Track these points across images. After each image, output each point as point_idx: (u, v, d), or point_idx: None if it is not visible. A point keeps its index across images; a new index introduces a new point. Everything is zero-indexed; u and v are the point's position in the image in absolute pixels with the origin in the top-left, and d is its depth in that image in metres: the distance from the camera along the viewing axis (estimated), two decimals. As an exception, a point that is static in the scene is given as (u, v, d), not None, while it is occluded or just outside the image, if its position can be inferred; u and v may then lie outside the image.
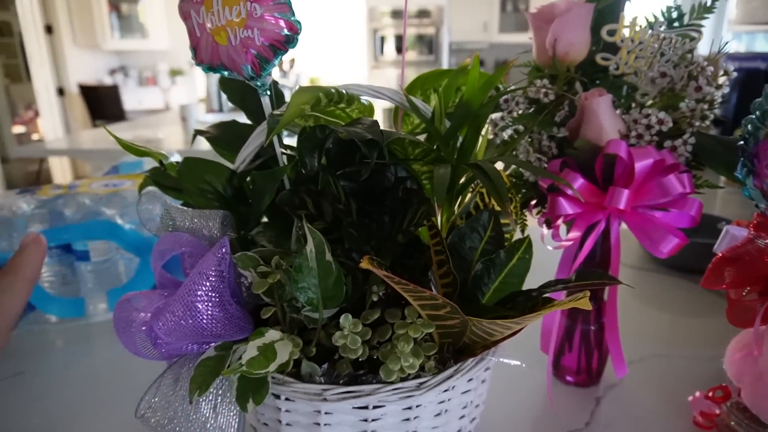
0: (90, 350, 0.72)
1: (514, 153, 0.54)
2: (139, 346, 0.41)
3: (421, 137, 0.50)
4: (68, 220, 0.74)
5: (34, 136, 4.49)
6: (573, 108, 0.53)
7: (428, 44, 5.05)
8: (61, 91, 4.69)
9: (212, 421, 0.39)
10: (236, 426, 0.40)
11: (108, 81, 5.09)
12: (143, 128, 2.91)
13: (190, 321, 0.37)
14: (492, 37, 4.90)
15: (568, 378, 0.62)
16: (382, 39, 5.22)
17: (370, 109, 0.48)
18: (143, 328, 0.41)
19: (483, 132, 0.47)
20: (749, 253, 0.49)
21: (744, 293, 0.50)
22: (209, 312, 0.37)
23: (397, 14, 5.09)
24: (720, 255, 0.50)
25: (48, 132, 4.49)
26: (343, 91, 0.42)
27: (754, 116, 0.46)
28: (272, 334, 0.37)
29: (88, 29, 4.76)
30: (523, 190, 0.55)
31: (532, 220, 0.57)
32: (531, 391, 0.62)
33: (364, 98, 0.47)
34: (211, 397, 0.39)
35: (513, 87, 0.52)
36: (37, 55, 4.42)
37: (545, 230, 0.54)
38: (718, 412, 0.55)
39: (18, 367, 0.68)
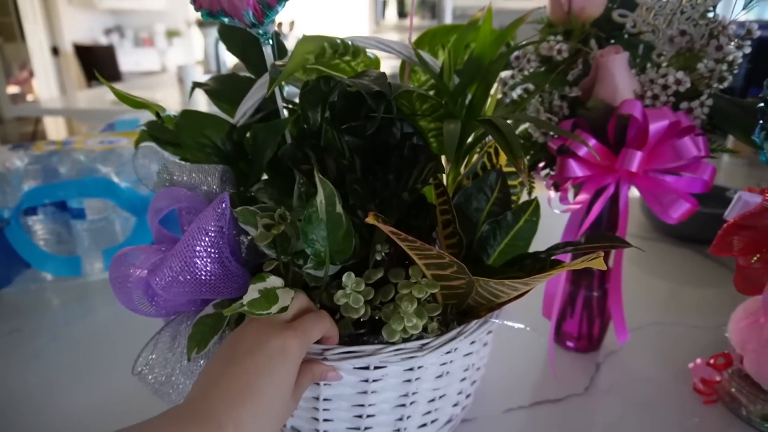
0: (86, 309, 0.71)
1: (524, 112, 0.53)
2: (136, 303, 0.40)
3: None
4: (63, 177, 0.72)
5: (29, 97, 4.41)
6: (587, 66, 0.51)
7: (431, 9, 4.93)
8: (55, 51, 4.59)
9: None
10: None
11: (103, 41, 4.98)
12: (140, 89, 2.86)
13: (188, 276, 0.36)
14: (497, 3, 4.80)
15: (569, 344, 0.62)
16: (384, 3, 5.09)
17: (376, 63, 0.46)
18: (140, 284, 0.39)
19: (492, 90, 0.45)
20: (762, 220, 0.48)
21: (753, 260, 0.49)
22: (208, 268, 0.36)
23: (400, -23, 4.96)
24: (731, 221, 0.49)
25: (43, 92, 4.41)
26: (349, 43, 0.40)
27: (775, 77, 0.44)
28: (274, 280, 0.36)
29: (82, -14, 4.63)
30: (531, 152, 0.54)
31: (540, 183, 0.56)
32: (532, 356, 0.61)
33: (370, 51, 0.45)
34: (209, 355, 0.39)
35: (525, 42, 0.50)
36: (30, 12, 4.31)
37: (553, 193, 0.53)
38: (718, 379, 0.55)
39: (14, 324, 0.67)
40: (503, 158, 0.48)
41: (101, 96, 2.58)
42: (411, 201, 0.38)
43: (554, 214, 0.53)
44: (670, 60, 0.51)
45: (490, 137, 0.46)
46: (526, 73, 0.52)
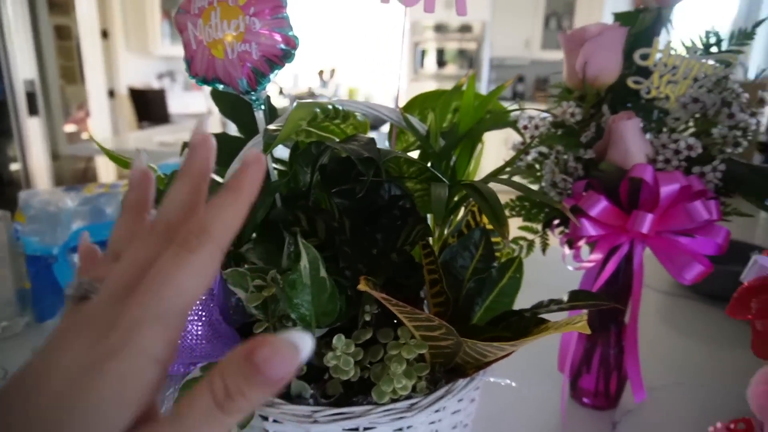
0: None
1: (538, 173, 0.55)
2: None
3: (415, 154, 0.50)
4: (108, 217, 0.78)
5: (84, 135, 4.67)
6: (600, 130, 0.53)
7: (469, 59, 5.05)
8: (111, 93, 4.89)
9: None
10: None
11: (156, 85, 5.28)
12: (185, 131, 3.01)
13: (180, 341, 0.37)
14: (533, 54, 4.87)
15: (585, 400, 0.62)
16: (423, 52, 5.24)
17: (364, 125, 0.48)
18: None
19: (476, 153, 0.48)
20: (778, 284, 0.48)
21: (771, 325, 0.49)
22: (198, 332, 0.37)
23: (439, 28, 5.11)
24: (746, 285, 0.49)
25: (97, 131, 4.67)
26: (340, 108, 0.42)
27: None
28: None
29: (141, 35, 4.96)
30: (546, 210, 0.55)
31: (554, 239, 0.57)
32: (547, 412, 0.61)
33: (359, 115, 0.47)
34: None
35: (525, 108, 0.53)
36: (91, 58, 4.63)
37: (567, 250, 0.54)
38: (740, 446, 0.53)
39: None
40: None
41: (150, 137, 2.73)
42: (400, 262, 0.40)
43: (570, 269, 0.55)
44: (687, 124, 0.53)
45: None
46: (536, 137, 0.54)
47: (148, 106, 4.87)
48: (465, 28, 4.99)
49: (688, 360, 0.73)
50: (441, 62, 5.24)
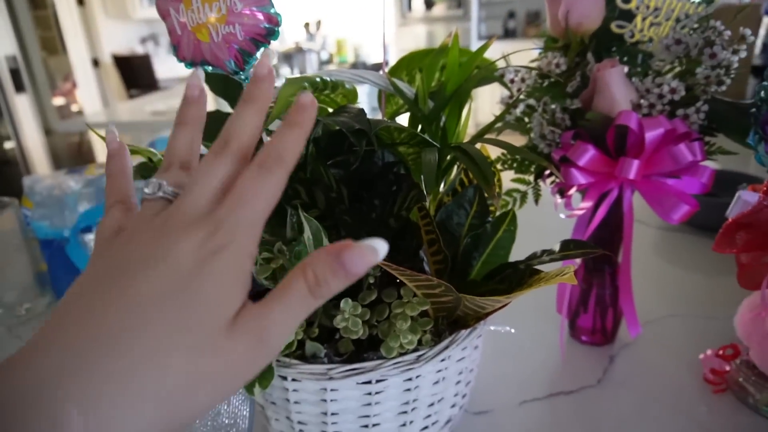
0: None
1: (528, 126, 0.56)
2: None
3: (406, 116, 0.51)
4: (113, 196, 0.79)
5: (74, 107, 4.62)
6: (585, 79, 0.54)
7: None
8: (95, 62, 4.79)
9: (225, 406, 0.42)
10: (248, 410, 0.42)
11: (140, 50, 5.17)
12: (176, 97, 2.98)
13: None
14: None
15: (584, 338, 0.65)
16: (410, -6, 5.08)
17: (353, 93, 0.49)
18: None
19: (465, 111, 0.49)
20: (760, 218, 0.50)
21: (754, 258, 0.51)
22: None
23: (424, -32, 4.94)
24: (730, 220, 0.51)
25: (86, 103, 4.61)
26: (328, 79, 0.44)
27: (765, 83, 0.47)
28: None
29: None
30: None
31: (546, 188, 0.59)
32: (547, 350, 0.65)
33: (348, 84, 0.48)
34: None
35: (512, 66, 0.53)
36: (70, 26, 4.51)
37: (558, 199, 0.56)
38: (728, 369, 0.57)
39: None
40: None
41: (141, 107, 2.70)
42: (398, 226, 0.42)
43: (559, 216, 0.57)
44: (672, 65, 0.54)
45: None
46: (524, 90, 0.55)
47: (135, 73, 4.78)
48: (451, -34, 4.82)
49: (681, 292, 0.76)
50: (429, 3, 5.09)
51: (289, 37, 5.22)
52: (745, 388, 0.55)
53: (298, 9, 5.34)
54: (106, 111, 3.32)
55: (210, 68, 0.42)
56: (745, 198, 0.51)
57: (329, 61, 5.13)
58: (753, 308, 0.54)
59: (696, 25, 0.51)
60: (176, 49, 0.42)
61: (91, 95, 4.70)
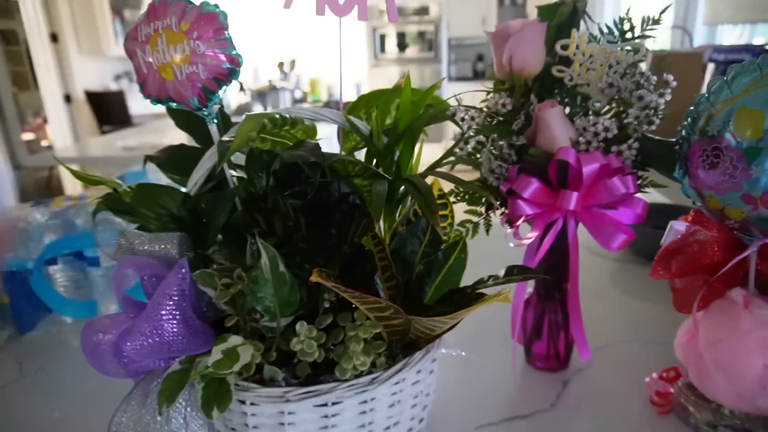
0: (102, 348, 0.78)
1: (478, 160, 0.60)
2: (109, 367, 0.44)
3: (364, 150, 0.54)
4: (79, 229, 0.80)
5: (44, 143, 4.57)
6: (529, 118, 0.58)
7: (429, 41, 5.09)
8: (68, 98, 4.78)
9: (184, 431, 0.43)
10: (206, 433, 0.43)
11: (113, 87, 5.18)
12: (149, 133, 2.98)
13: (157, 339, 0.41)
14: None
15: (538, 364, 0.68)
16: (382, 37, 5.25)
17: (312, 129, 0.52)
18: (111, 349, 0.43)
19: (416, 147, 0.52)
20: (690, 245, 0.54)
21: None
22: (174, 329, 0.41)
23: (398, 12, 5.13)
24: (663, 248, 0.55)
25: (56, 138, 4.57)
26: (287, 115, 0.47)
27: (686, 122, 0.52)
28: (234, 339, 0.41)
29: (92, 36, 4.84)
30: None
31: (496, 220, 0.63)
32: (504, 377, 0.67)
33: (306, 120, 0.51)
34: (180, 408, 0.43)
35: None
36: (43, 62, 4.51)
37: (508, 229, 0.59)
38: (671, 390, 0.60)
39: (39, 364, 0.74)
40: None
41: (113, 142, 2.69)
42: (351, 252, 0.45)
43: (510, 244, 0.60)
44: (605, 108, 0.58)
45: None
46: (473, 128, 0.59)
47: (108, 109, 4.78)
48: (422, 10, 5.02)
49: (631, 319, 0.80)
50: (402, 45, 5.26)
51: (263, 75, 5.31)
52: (686, 408, 0.58)
53: (273, 48, 5.46)
54: (76, 146, 3.30)
55: (174, 104, 0.45)
56: (677, 227, 0.55)
57: (303, 100, 5.22)
58: (688, 331, 0.57)
59: (626, 71, 0.57)
60: (143, 87, 0.45)
61: (62, 131, 4.67)
